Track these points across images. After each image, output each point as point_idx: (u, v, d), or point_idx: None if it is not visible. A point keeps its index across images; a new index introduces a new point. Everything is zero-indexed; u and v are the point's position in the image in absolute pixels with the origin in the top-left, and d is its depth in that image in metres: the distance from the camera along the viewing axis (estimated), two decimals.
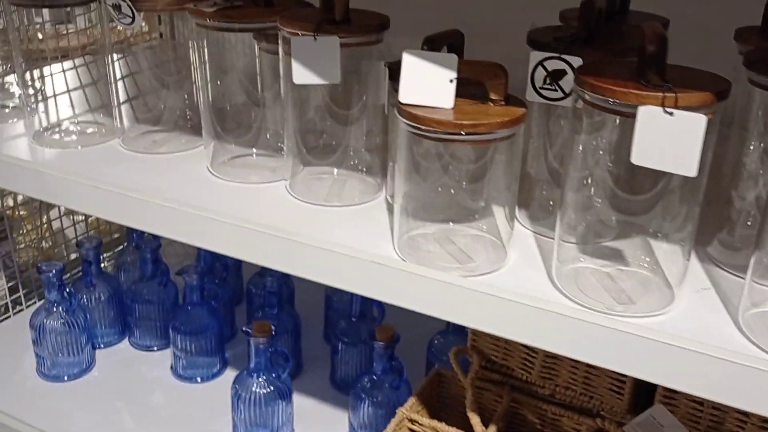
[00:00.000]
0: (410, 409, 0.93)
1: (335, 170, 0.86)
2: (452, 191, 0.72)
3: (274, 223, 0.75)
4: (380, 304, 1.21)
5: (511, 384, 0.95)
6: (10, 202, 1.44)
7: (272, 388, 1.05)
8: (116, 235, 1.56)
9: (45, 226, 1.48)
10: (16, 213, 1.47)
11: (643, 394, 0.89)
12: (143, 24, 1.11)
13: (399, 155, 0.68)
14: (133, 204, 0.79)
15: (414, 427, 0.91)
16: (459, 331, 1.11)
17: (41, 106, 1.01)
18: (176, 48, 0.99)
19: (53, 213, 1.50)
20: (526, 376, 0.95)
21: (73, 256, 1.50)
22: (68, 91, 1.03)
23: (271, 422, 1.07)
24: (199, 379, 1.24)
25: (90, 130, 1.02)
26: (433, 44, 0.65)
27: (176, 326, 1.21)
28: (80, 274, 1.30)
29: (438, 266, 0.68)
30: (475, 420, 0.88)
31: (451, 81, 0.63)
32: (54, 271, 1.16)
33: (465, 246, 0.72)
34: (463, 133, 0.62)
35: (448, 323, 1.12)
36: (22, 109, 1.07)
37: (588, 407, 0.92)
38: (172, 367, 1.26)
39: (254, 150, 0.92)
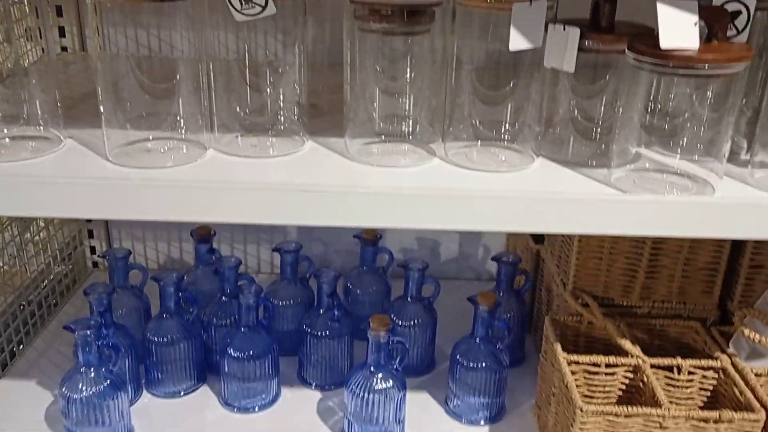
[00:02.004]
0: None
1: None
2: None
3: None
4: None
5: (616, 312, 1.06)
6: None
7: (391, 382, 1.03)
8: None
9: None
10: None
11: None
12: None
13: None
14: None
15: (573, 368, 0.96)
16: None
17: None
18: None
19: None
20: (627, 302, 1.08)
21: None
22: None
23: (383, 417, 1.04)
24: (256, 408, 1.13)
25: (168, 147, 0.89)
26: None
27: (231, 355, 1.10)
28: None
29: None
30: (627, 345, 0.98)
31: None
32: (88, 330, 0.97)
33: None
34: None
35: None
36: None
37: (682, 313, 1.07)
38: (224, 402, 1.13)
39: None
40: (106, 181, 0.75)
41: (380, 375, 1.02)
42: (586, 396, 0.97)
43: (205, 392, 1.17)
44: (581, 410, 0.86)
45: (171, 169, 0.82)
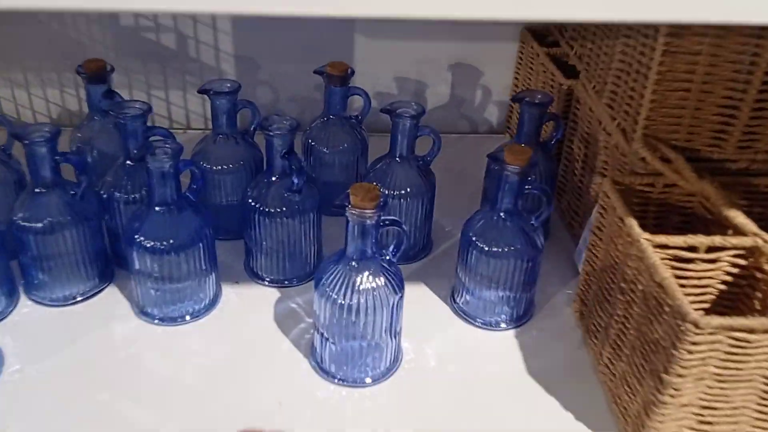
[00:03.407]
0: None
1: None
2: None
3: None
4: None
5: (701, 169, 0.73)
6: None
7: (383, 280, 0.69)
8: None
9: None
10: None
11: None
12: None
13: None
14: None
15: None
16: None
17: None
18: None
19: None
20: (717, 154, 0.75)
21: None
22: None
23: None
24: (187, 317, 0.80)
25: None
26: None
27: (142, 244, 0.74)
28: None
29: None
30: (739, 218, 0.66)
31: None
32: None
33: None
34: None
35: None
36: None
37: None
38: (140, 311, 0.79)
39: None
40: None
41: (367, 272, 0.68)
42: None
43: (112, 296, 0.82)
44: (695, 326, 0.54)
45: None
